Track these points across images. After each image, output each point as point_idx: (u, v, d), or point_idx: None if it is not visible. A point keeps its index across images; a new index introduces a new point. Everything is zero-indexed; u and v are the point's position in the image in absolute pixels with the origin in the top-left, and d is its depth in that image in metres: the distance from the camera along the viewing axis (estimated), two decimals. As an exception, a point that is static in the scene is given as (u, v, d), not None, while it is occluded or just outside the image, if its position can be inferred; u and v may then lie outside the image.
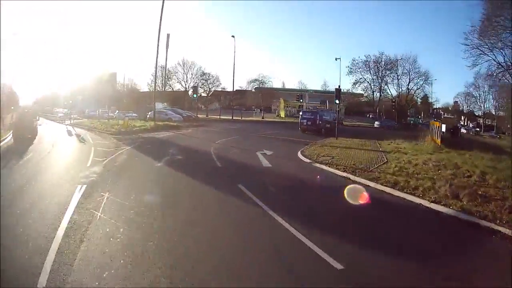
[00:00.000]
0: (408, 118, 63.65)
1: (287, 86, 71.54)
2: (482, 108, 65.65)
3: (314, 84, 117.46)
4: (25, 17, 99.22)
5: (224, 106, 62.40)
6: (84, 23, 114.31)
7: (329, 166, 12.67)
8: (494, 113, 64.25)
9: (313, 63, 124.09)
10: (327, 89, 74.93)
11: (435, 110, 67.00)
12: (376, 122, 50.87)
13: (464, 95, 67.92)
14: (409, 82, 60.38)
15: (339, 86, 27.38)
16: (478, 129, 64.58)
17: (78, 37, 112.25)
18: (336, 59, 49.50)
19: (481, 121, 67.99)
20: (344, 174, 11.34)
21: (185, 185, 10.42)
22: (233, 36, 52.50)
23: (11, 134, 20.83)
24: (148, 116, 37.49)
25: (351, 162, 13.30)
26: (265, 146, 18.62)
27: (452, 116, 69.75)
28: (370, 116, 71.77)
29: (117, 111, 41.44)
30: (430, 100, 64.63)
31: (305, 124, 28.34)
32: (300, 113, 31.17)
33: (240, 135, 25.47)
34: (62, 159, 15.01)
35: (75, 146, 19.51)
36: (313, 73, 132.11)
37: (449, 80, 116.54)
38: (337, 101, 23.95)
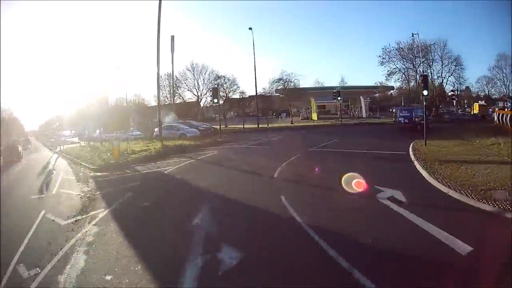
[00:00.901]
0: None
1: (302, 86, 60.45)
2: (505, 90, 60.55)
3: (331, 81, 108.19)
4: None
5: (240, 113, 53.07)
6: (83, 34, 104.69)
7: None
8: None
9: (328, 59, 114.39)
10: (345, 84, 65.07)
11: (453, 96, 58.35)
12: (447, 116, 42.89)
13: (486, 79, 63.01)
14: (442, 68, 51.39)
15: (424, 72, 18.31)
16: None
17: (76, 51, 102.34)
18: (413, 34, 38.95)
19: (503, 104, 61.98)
20: None
21: None
22: (250, 29, 42.97)
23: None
24: (154, 134, 28.60)
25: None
26: (362, 173, 10.07)
27: (485, 103, 60.64)
28: (393, 110, 62.88)
29: (116, 131, 32.23)
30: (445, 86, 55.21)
31: (403, 122, 27.92)
32: (398, 112, 31.62)
33: (295, 152, 16.03)
34: None
35: (14, 212, 9.65)
36: (330, 70, 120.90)
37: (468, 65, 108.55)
38: (425, 92, 17.04)
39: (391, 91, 61.72)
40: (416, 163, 11.78)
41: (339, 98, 41.38)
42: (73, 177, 14.08)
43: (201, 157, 16.64)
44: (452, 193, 7.85)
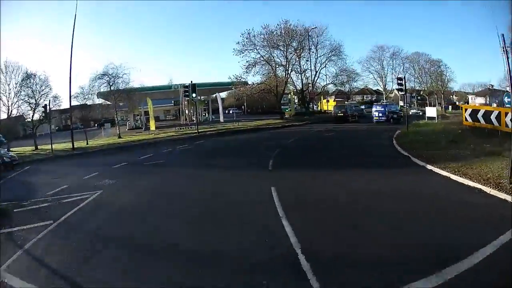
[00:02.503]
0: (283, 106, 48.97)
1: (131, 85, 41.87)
2: (381, 83, 56.73)
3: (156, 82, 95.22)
4: None
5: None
6: None
7: None
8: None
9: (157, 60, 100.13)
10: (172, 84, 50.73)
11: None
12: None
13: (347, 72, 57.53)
14: (316, 59, 43.19)
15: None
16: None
17: None
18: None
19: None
20: None
21: None
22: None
23: None
24: None
25: None
26: None
27: (341, 99, 59.43)
28: (231, 111, 54.56)
29: None
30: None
31: (377, 115, 31.86)
32: (373, 108, 34.90)
33: None
34: None
35: None
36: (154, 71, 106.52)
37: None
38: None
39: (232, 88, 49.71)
40: None
41: (193, 95, 28.34)
42: None
43: None
44: None
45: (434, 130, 19.01)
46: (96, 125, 43.99)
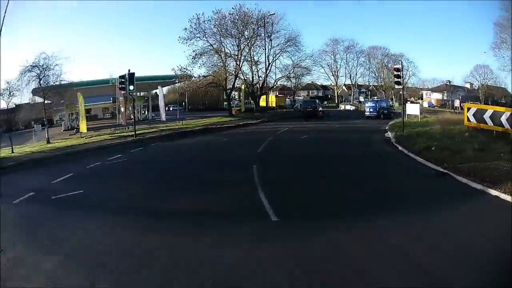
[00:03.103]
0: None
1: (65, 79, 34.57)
2: (332, 79, 57.10)
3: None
4: None
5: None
6: None
7: None
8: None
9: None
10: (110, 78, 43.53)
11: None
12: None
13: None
14: (270, 49, 39.67)
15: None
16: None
17: None
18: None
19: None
20: None
21: None
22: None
23: None
24: None
25: None
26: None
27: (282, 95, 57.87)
28: (171, 108, 50.89)
29: None
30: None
31: (368, 111, 33.16)
32: (365, 104, 37.52)
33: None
34: None
35: None
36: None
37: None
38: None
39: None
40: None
41: (131, 88, 22.61)
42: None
43: None
44: None
45: (436, 131, 17.05)
46: (34, 126, 37.20)
